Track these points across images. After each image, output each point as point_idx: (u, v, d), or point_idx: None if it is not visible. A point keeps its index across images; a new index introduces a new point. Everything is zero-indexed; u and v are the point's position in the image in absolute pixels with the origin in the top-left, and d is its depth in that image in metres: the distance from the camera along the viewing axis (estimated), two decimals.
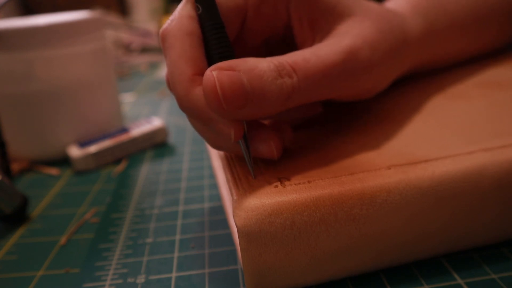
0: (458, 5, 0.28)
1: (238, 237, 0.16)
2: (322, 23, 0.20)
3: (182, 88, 0.17)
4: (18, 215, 0.26)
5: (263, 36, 0.21)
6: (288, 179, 0.17)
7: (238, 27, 0.20)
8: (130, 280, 0.20)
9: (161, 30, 0.18)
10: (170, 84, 0.18)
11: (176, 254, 0.21)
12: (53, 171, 0.33)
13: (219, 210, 0.25)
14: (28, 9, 1.43)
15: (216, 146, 0.20)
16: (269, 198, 0.16)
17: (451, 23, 0.27)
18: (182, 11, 0.18)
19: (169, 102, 0.50)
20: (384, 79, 0.22)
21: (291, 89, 0.17)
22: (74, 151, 0.32)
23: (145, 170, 0.31)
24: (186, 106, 0.17)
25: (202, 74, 0.17)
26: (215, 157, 0.30)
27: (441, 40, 0.27)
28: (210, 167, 0.31)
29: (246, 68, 0.16)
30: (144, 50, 0.82)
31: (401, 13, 0.24)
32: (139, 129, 0.35)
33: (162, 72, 0.67)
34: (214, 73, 0.16)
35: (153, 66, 0.72)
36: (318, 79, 0.17)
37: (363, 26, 0.20)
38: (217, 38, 0.17)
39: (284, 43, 0.22)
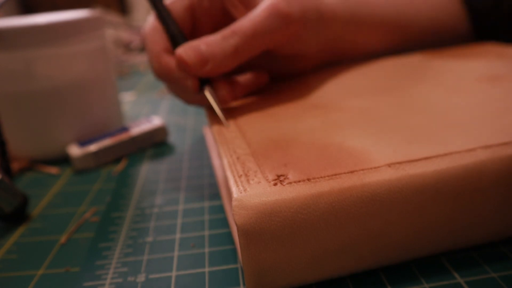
0: (382, 6, 0.33)
1: (238, 235, 0.16)
2: (251, 1, 0.27)
3: (156, 61, 0.26)
4: (18, 214, 0.26)
5: (210, 26, 0.29)
6: (288, 177, 0.17)
7: (191, 22, 0.28)
8: (130, 279, 0.20)
9: (141, 32, 0.28)
10: (149, 63, 0.27)
11: (176, 253, 0.21)
12: (53, 170, 0.33)
13: (219, 209, 0.25)
14: (27, 8, 1.43)
15: (189, 101, 0.28)
16: (268, 196, 0.16)
17: (372, 17, 0.33)
18: (151, 18, 0.27)
19: (169, 101, 0.50)
20: (309, 39, 0.28)
21: (235, 45, 0.24)
22: (74, 150, 0.32)
23: (145, 169, 0.31)
24: (159, 72, 0.26)
25: (167, 51, 0.26)
26: (215, 156, 0.30)
27: (361, 28, 0.32)
28: (210, 166, 0.31)
29: (201, 42, 0.24)
30: (144, 49, 0.82)
31: None
32: (139, 128, 0.35)
33: None
34: (180, 49, 0.24)
35: None
36: (253, 34, 0.24)
37: None
38: (171, 26, 0.26)
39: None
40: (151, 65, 0.26)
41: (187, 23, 0.28)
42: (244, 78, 0.28)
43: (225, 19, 0.29)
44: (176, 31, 0.26)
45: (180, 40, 0.26)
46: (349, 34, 0.32)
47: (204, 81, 0.26)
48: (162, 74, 0.26)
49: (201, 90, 0.26)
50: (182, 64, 0.24)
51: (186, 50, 0.24)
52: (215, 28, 0.29)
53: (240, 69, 0.31)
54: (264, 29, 0.25)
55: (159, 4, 0.26)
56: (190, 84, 0.25)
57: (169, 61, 0.26)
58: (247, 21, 0.25)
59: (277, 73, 0.32)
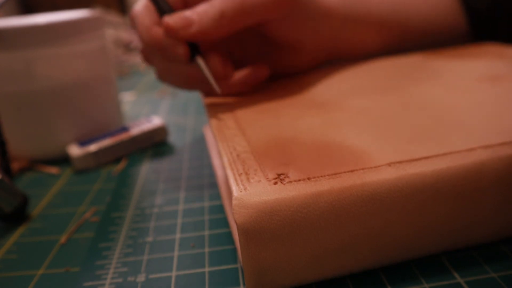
0: (379, 5, 0.34)
1: (238, 234, 0.16)
2: None
3: (146, 33, 0.26)
4: (18, 214, 0.26)
5: None
6: (288, 175, 0.17)
7: (183, 7, 0.28)
8: (130, 279, 0.20)
9: (131, 13, 0.28)
10: (140, 37, 0.27)
11: (176, 253, 0.21)
12: (53, 170, 0.33)
13: (219, 209, 0.25)
14: (27, 8, 1.43)
15: (185, 85, 0.29)
16: (268, 195, 0.16)
17: (370, 16, 0.33)
18: (141, 1, 0.28)
19: (169, 101, 0.50)
20: (304, 30, 0.29)
21: (220, 8, 0.25)
22: (74, 150, 0.32)
23: (145, 169, 0.31)
24: (150, 42, 0.26)
25: (156, 24, 0.27)
26: (215, 155, 0.30)
27: (358, 26, 0.33)
28: (210, 166, 0.31)
29: (188, 10, 0.25)
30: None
31: None
32: (139, 128, 0.35)
33: None
34: (168, 17, 0.25)
35: None
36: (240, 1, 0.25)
37: None
38: (161, 2, 0.27)
39: None
40: (142, 38, 0.27)
41: (179, 4, 0.28)
42: (243, 71, 0.29)
43: None
44: (166, 6, 0.27)
45: (168, 12, 0.27)
46: (347, 32, 0.32)
47: (195, 51, 0.26)
48: (153, 43, 0.26)
49: (192, 60, 0.26)
50: (168, 29, 0.25)
51: (173, 17, 0.25)
52: None
53: (239, 64, 0.31)
54: None
55: None
56: (180, 51, 0.25)
57: (159, 31, 0.26)
58: None
59: (276, 68, 0.32)
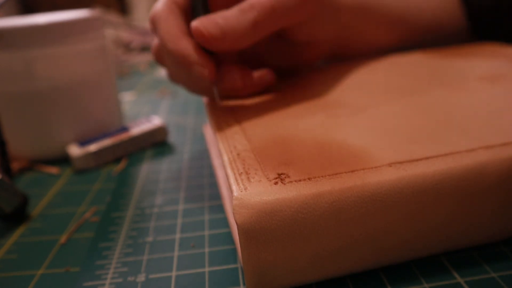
0: (389, 0, 0.34)
1: (238, 234, 0.16)
2: None
3: (173, 43, 0.24)
4: (18, 214, 0.26)
5: (225, 4, 0.28)
6: (288, 175, 0.17)
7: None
8: (130, 279, 0.20)
9: (151, 14, 0.25)
10: (161, 48, 0.25)
11: (176, 253, 0.21)
12: (53, 170, 0.33)
13: (219, 209, 0.25)
14: (27, 8, 1.43)
15: (192, 89, 0.27)
16: (269, 195, 0.16)
17: (380, 10, 0.34)
18: (166, 1, 0.25)
19: (169, 101, 0.50)
20: (321, 25, 0.28)
21: (254, 19, 0.24)
22: (74, 150, 0.32)
23: (145, 169, 0.31)
24: (175, 55, 0.24)
25: (184, 33, 0.24)
26: (215, 155, 0.30)
27: (369, 19, 0.33)
28: (210, 166, 0.31)
29: (219, 15, 0.23)
30: (144, 49, 0.82)
31: None
32: (139, 128, 0.35)
33: (162, 71, 0.67)
34: (197, 22, 0.23)
35: (153, 65, 0.72)
36: (271, 9, 0.24)
37: None
38: (203, 6, 0.25)
39: None
40: (165, 47, 0.24)
41: None
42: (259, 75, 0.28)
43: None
44: (202, 8, 0.25)
45: (201, 12, 0.25)
46: (358, 25, 0.33)
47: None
48: (179, 57, 0.24)
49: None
50: (198, 36, 0.23)
51: (203, 22, 0.23)
52: (228, 6, 0.28)
53: (249, 64, 0.31)
54: (282, 5, 0.24)
55: None
56: (206, 73, 0.24)
57: (187, 45, 0.24)
58: None
59: (284, 64, 0.32)
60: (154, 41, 0.27)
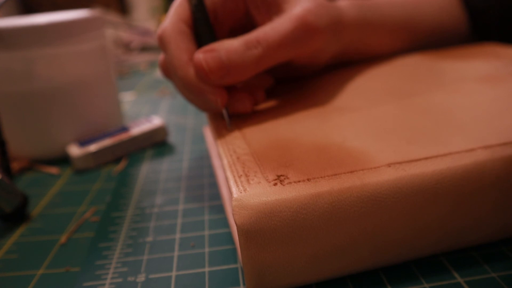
0: (391, 9, 0.34)
1: (238, 235, 0.16)
2: (274, 6, 0.25)
3: (182, 71, 0.23)
4: (18, 214, 0.26)
5: (229, 26, 0.27)
6: (288, 177, 0.17)
7: (211, 22, 0.26)
8: (130, 279, 0.20)
9: (158, 32, 0.24)
10: (170, 69, 0.24)
11: (176, 253, 0.21)
12: (53, 170, 0.33)
13: (219, 209, 0.25)
14: (27, 8, 1.43)
15: (203, 109, 0.26)
16: (268, 196, 0.16)
17: (383, 21, 0.33)
18: (173, 17, 0.24)
19: (169, 101, 0.50)
20: (328, 48, 0.27)
21: (258, 56, 0.23)
22: (74, 150, 0.32)
23: (145, 169, 0.31)
24: (185, 83, 0.23)
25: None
26: (215, 156, 0.30)
27: (373, 31, 0.32)
28: (210, 166, 0.31)
29: (222, 48, 0.23)
30: (144, 48, 0.82)
31: (337, 3, 0.30)
32: (139, 128, 0.35)
33: None
34: (200, 55, 0.23)
35: (153, 65, 0.72)
36: (278, 46, 0.23)
37: (305, 1, 0.25)
38: (206, 28, 0.24)
39: (245, 30, 0.28)
40: (177, 73, 0.24)
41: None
42: (248, 83, 0.28)
43: (245, 20, 0.28)
44: (207, 32, 0.24)
45: (206, 40, 0.24)
46: (363, 38, 0.32)
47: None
48: (189, 85, 0.24)
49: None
50: (200, 71, 0.23)
51: (206, 57, 0.22)
52: (232, 28, 0.28)
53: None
54: (289, 42, 0.23)
55: (200, 4, 0.25)
56: (219, 102, 0.23)
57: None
58: (272, 32, 0.23)
59: (285, 76, 0.31)
60: (161, 56, 0.27)
